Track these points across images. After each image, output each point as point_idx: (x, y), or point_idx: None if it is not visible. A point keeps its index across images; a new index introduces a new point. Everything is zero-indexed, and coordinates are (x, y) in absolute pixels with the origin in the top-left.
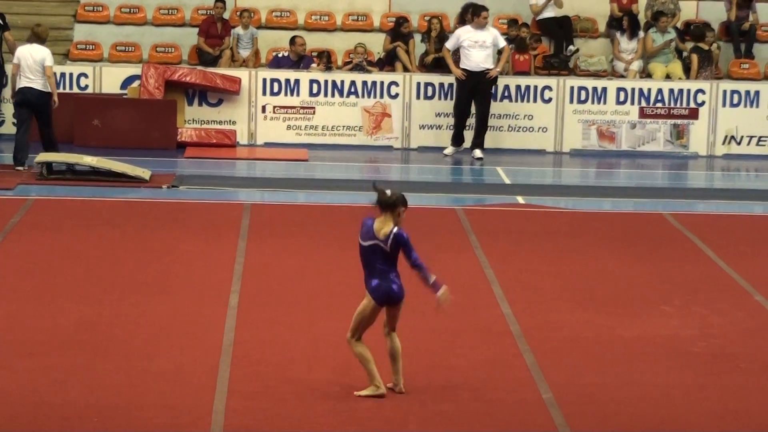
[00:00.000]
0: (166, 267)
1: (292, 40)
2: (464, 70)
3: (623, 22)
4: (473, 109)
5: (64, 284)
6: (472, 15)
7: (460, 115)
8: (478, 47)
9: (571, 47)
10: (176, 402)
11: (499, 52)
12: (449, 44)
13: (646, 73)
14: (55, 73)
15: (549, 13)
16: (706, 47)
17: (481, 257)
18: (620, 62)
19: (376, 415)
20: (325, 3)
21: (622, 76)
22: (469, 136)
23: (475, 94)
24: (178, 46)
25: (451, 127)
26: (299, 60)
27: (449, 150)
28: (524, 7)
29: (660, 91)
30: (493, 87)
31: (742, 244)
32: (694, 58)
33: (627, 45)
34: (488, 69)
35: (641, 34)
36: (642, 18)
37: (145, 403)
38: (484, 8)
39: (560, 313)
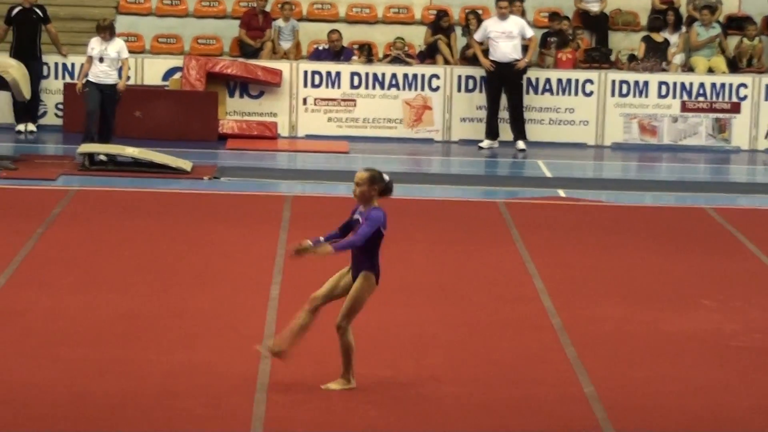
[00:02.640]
0: (207, 258)
1: (328, 34)
2: (492, 61)
3: (667, 16)
4: (505, 102)
5: (106, 275)
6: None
7: (491, 107)
8: (504, 38)
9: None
10: (217, 392)
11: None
12: (477, 36)
13: (688, 67)
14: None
15: (590, 6)
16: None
17: (522, 251)
18: None
19: (417, 407)
20: None
21: (664, 70)
22: (505, 129)
23: (504, 85)
24: (219, 38)
25: None
26: (339, 52)
27: (485, 143)
28: None
29: (702, 85)
30: (524, 78)
31: None
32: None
33: (669, 39)
34: (516, 60)
35: (684, 28)
36: (684, 11)
37: (185, 394)
38: None
39: (601, 307)
